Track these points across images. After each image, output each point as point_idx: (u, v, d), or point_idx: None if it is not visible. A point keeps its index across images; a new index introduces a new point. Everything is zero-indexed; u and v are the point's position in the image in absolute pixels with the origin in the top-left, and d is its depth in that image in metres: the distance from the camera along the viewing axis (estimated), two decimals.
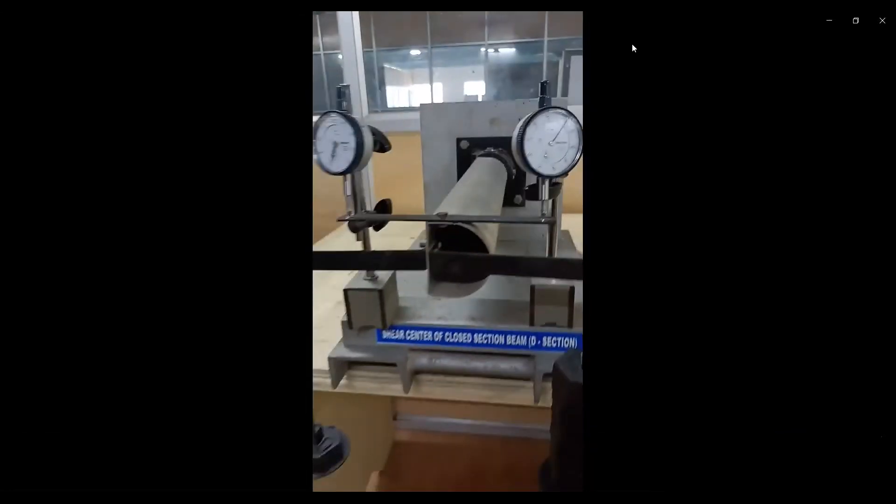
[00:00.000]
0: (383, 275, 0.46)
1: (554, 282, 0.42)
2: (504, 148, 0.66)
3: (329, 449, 0.41)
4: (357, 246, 0.44)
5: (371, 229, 0.44)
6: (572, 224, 0.75)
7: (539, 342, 0.44)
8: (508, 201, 0.68)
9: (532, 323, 0.43)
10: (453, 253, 0.35)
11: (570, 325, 0.43)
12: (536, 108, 0.35)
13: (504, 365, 0.45)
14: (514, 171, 0.65)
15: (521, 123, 0.34)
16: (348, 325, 0.46)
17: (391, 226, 0.47)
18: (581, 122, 0.33)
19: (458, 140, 0.68)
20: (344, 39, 1.03)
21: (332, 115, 0.36)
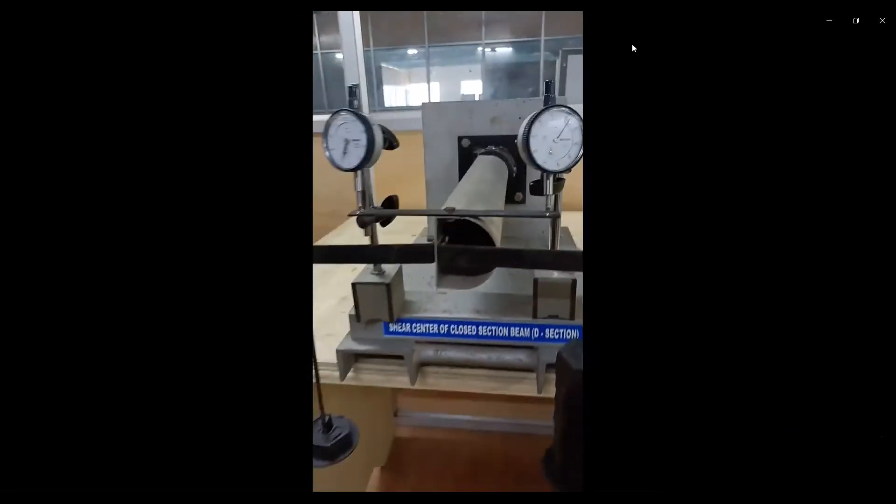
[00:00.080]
0: (390, 269, 0.47)
1: (556, 275, 0.43)
2: (505, 146, 0.68)
3: (339, 437, 0.42)
4: (358, 243, 0.45)
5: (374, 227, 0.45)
6: (571, 222, 0.77)
7: (542, 334, 0.45)
8: (509, 198, 0.69)
9: (535, 315, 0.45)
10: (461, 246, 0.37)
11: (573, 317, 0.44)
12: (536, 107, 0.36)
13: (508, 356, 0.46)
14: (514, 168, 0.66)
15: (526, 121, 0.36)
16: (356, 318, 0.47)
17: (392, 224, 0.48)
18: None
19: (460, 138, 0.69)
20: (344, 39, 1.04)
21: (344, 113, 0.37)
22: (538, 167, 0.36)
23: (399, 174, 1.04)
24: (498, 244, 0.37)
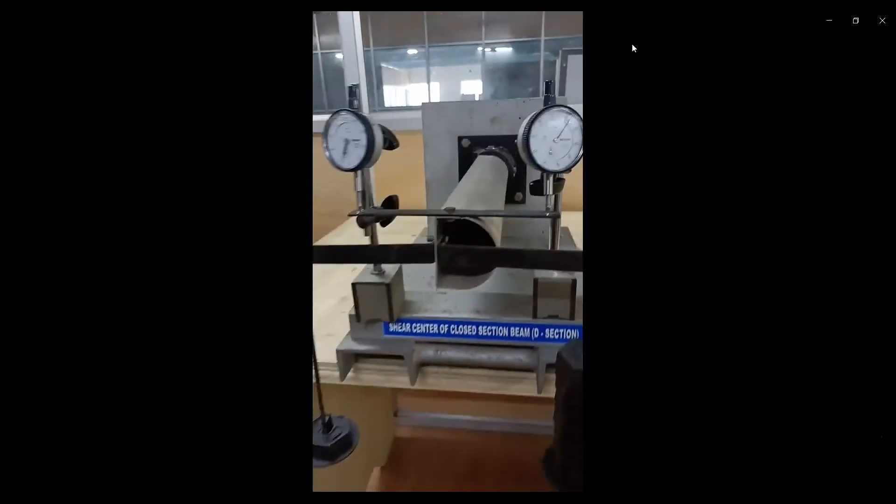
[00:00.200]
0: (390, 269, 0.47)
1: (556, 275, 0.43)
2: (505, 146, 0.68)
3: (339, 437, 0.42)
4: (358, 243, 0.45)
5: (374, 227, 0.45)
6: (571, 222, 0.77)
7: (542, 334, 0.45)
8: (509, 199, 0.69)
9: (535, 315, 0.45)
10: (461, 246, 0.37)
11: (573, 317, 0.44)
12: (536, 107, 0.36)
13: (508, 356, 0.46)
14: (514, 168, 0.66)
15: (526, 121, 0.36)
16: (356, 318, 0.47)
17: (392, 224, 0.48)
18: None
19: (460, 138, 0.69)
20: (344, 39, 1.04)
21: (344, 113, 0.37)
22: (538, 167, 0.36)
23: (399, 174, 1.04)
24: (498, 244, 0.37)
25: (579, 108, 0.34)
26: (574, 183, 0.41)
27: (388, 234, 0.50)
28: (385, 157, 0.44)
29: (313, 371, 0.42)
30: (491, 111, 0.68)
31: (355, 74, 1.06)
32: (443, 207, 0.37)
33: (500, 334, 0.46)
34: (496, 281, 0.51)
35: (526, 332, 0.46)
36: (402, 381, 0.49)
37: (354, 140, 0.37)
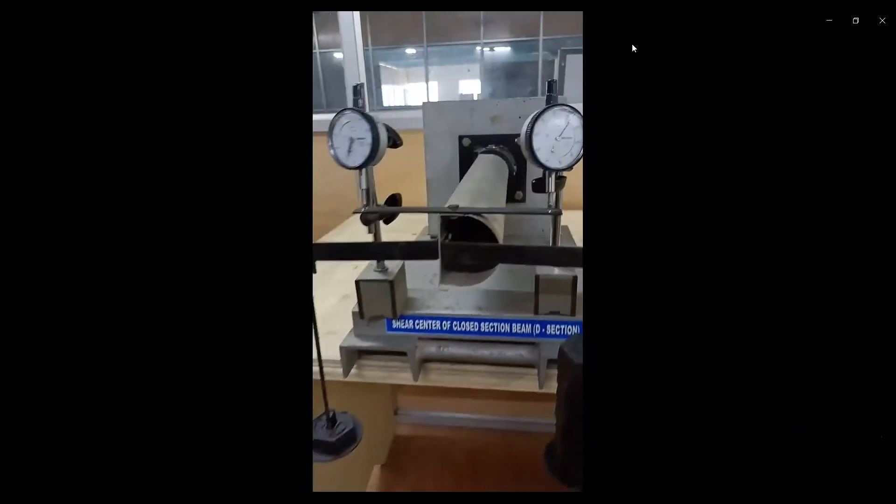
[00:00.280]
0: (393, 267, 0.48)
1: (557, 271, 0.43)
2: (505, 145, 0.68)
3: (343, 432, 0.42)
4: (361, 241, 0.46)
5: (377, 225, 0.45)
6: (570, 221, 0.77)
7: (543, 330, 0.46)
8: (509, 197, 0.70)
9: (536, 312, 0.45)
10: (464, 243, 0.37)
11: (573, 313, 0.44)
12: (535, 106, 0.37)
13: (510, 352, 0.46)
14: (514, 167, 0.67)
15: (529, 120, 0.36)
16: (360, 315, 0.48)
17: (393, 223, 0.48)
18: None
19: (461, 137, 0.70)
20: (345, 38, 1.04)
21: (349, 112, 0.38)
22: (541, 165, 0.37)
23: (399, 174, 1.04)
24: (501, 241, 0.38)
25: (579, 107, 0.34)
26: (574, 181, 0.42)
27: (389, 233, 0.51)
28: (385, 156, 0.44)
29: (319, 368, 0.42)
30: (491, 110, 0.69)
31: (355, 74, 1.06)
32: (446, 205, 0.37)
33: (502, 330, 0.47)
34: (497, 279, 0.51)
35: (527, 329, 0.46)
36: (405, 378, 0.50)
37: (359, 138, 0.37)
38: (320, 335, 0.40)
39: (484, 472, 1.25)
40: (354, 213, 0.41)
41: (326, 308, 0.64)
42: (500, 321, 0.46)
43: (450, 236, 0.40)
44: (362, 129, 0.37)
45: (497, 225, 0.38)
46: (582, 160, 0.34)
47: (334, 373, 0.50)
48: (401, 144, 0.43)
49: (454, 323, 0.47)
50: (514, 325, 0.46)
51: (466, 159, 0.70)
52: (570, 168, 0.37)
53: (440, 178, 0.73)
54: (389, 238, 0.46)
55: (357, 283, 0.46)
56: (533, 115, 0.36)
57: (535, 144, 0.36)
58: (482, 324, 0.47)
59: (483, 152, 0.68)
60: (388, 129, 0.41)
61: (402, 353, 0.49)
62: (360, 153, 0.38)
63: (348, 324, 0.52)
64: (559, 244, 0.44)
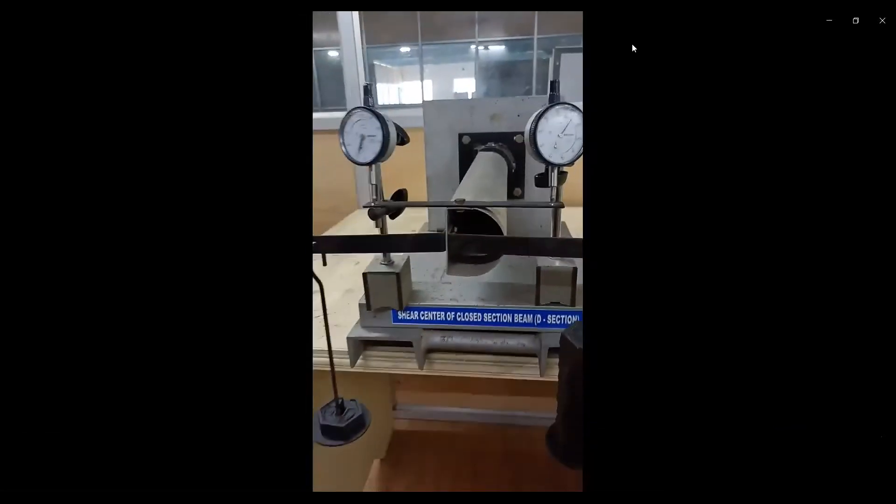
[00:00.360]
0: (398, 260, 0.49)
1: (558, 263, 0.45)
2: (504, 143, 0.70)
3: (352, 419, 0.44)
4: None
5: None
6: (568, 217, 0.79)
7: (544, 320, 0.48)
8: (508, 194, 0.71)
9: (538, 302, 0.47)
10: (470, 235, 0.39)
11: (574, 303, 0.46)
12: (533, 105, 0.39)
13: (512, 341, 0.48)
14: (513, 164, 0.68)
15: (532, 117, 0.38)
16: (367, 306, 0.49)
17: (394, 220, 0.50)
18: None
19: (461, 135, 0.71)
20: (344, 38, 1.06)
21: (359, 110, 0.39)
22: (544, 160, 0.39)
23: (397, 172, 1.06)
24: (505, 233, 0.39)
25: (576, 104, 0.36)
26: (573, 179, 0.43)
27: (391, 229, 0.52)
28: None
29: (329, 358, 0.44)
30: (491, 109, 0.70)
31: (355, 73, 1.07)
32: (453, 199, 0.39)
33: (504, 321, 0.48)
34: (498, 272, 0.53)
35: (529, 318, 0.48)
36: (410, 368, 0.51)
37: (370, 136, 0.39)
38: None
39: (483, 465, 1.27)
40: (364, 207, 0.43)
41: (330, 302, 0.65)
42: (502, 311, 0.48)
43: (455, 229, 0.41)
44: (373, 126, 0.39)
45: (501, 218, 0.40)
46: (582, 155, 0.35)
47: (340, 363, 0.52)
48: (408, 141, 0.45)
49: (458, 314, 0.49)
50: (516, 315, 0.48)
51: (466, 157, 0.71)
52: (571, 164, 0.39)
53: (440, 175, 0.74)
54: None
55: (364, 275, 0.48)
56: (536, 113, 0.38)
57: (539, 141, 0.38)
58: (485, 314, 0.49)
59: (483, 150, 0.69)
60: (397, 127, 0.42)
61: (408, 344, 0.51)
62: (371, 150, 0.39)
63: (352, 317, 0.53)
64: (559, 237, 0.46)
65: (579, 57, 1.39)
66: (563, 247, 0.39)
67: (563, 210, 0.43)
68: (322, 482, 0.80)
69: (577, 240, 0.39)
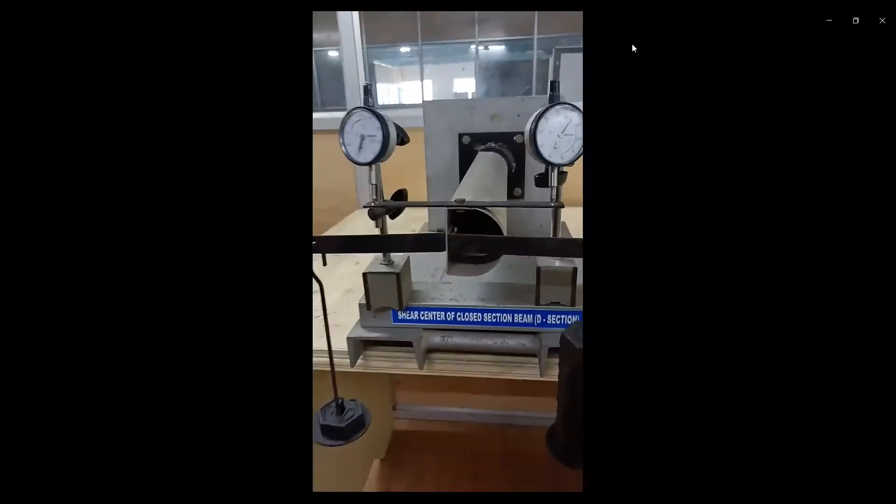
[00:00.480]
0: (398, 260, 0.49)
1: (558, 263, 0.45)
2: (504, 143, 0.70)
3: (352, 418, 0.44)
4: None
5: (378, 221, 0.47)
6: (567, 217, 0.79)
7: (544, 320, 0.48)
8: (508, 194, 0.72)
9: (537, 302, 0.47)
10: (470, 235, 0.39)
11: (573, 303, 0.46)
12: (533, 105, 0.39)
13: (512, 341, 0.48)
14: (513, 164, 0.68)
15: (533, 118, 0.38)
16: (367, 306, 0.49)
17: (393, 221, 0.50)
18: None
19: (461, 135, 0.71)
20: (344, 38, 1.06)
21: (359, 111, 0.39)
22: (544, 160, 0.39)
23: (396, 172, 1.06)
24: (505, 233, 0.39)
25: (576, 104, 0.36)
26: (572, 179, 0.43)
27: (391, 230, 0.52)
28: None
29: (329, 358, 0.44)
30: (491, 109, 0.70)
31: (355, 73, 1.08)
32: (453, 199, 0.39)
33: (504, 321, 0.49)
34: (498, 272, 0.53)
35: (529, 318, 0.48)
36: (410, 368, 0.51)
37: (370, 136, 0.39)
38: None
39: (483, 465, 1.27)
40: (364, 207, 0.43)
41: (330, 302, 0.64)
42: (502, 311, 0.48)
43: (455, 229, 0.41)
44: (373, 126, 0.39)
45: (501, 218, 0.40)
46: (582, 156, 0.35)
47: (340, 363, 0.52)
48: (408, 141, 0.45)
49: (458, 314, 0.49)
50: (515, 315, 0.48)
51: (466, 157, 0.71)
52: (571, 163, 0.39)
53: (440, 175, 0.75)
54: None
55: (364, 275, 0.48)
56: (537, 113, 0.38)
57: (539, 141, 0.38)
58: (485, 314, 0.49)
59: (483, 150, 0.69)
60: (397, 127, 0.42)
61: (408, 344, 0.51)
62: (371, 150, 0.40)
63: (351, 317, 0.53)
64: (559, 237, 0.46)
65: (579, 57, 1.39)
66: (563, 247, 0.39)
67: (562, 210, 0.44)
68: (322, 482, 0.80)
69: (577, 240, 0.39)
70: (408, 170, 0.71)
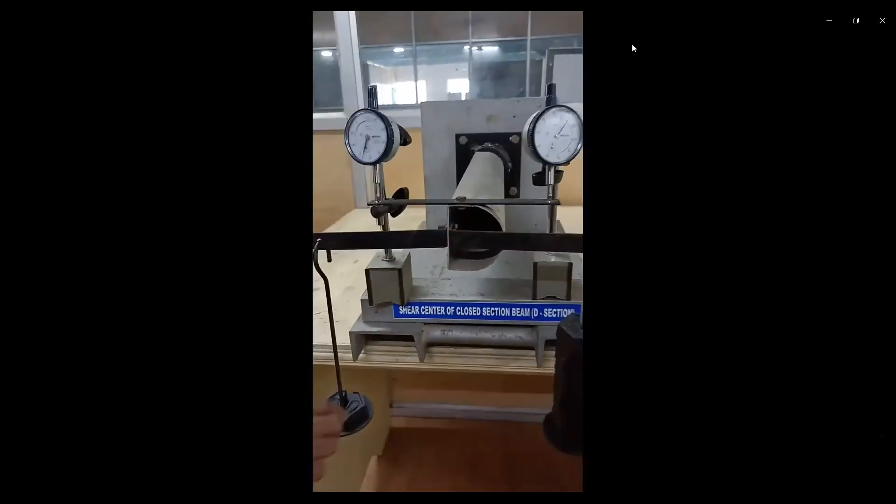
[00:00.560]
0: (400, 256, 0.51)
1: (554, 259, 0.47)
2: (500, 143, 0.71)
3: (356, 410, 0.45)
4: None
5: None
6: (563, 216, 0.81)
7: (541, 313, 0.49)
8: (505, 192, 0.73)
9: (534, 296, 0.49)
10: (471, 231, 0.41)
11: (569, 297, 0.48)
12: (529, 106, 0.40)
13: (510, 335, 0.50)
14: (509, 164, 0.70)
15: (530, 119, 0.40)
16: (369, 302, 0.51)
17: (391, 222, 0.51)
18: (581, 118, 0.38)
19: (457, 136, 0.73)
20: (341, 38, 1.07)
21: (364, 112, 0.41)
22: (541, 160, 0.40)
23: (396, 172, 1.07)
24: (505, 229, 0.41)
25: (571, 105, 0.38)
26: (568, 179, 0.45)
27: (391, 228, 0.54)
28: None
29: (334, 353, 0.45)
30: (487, 110, 0.72)
31: (352, 74, 1.09)
32: (454, 196, 0.41)
33: (503, 315, 0.50)
34: (496, 269, 0.55)
35: (526, 312, 0.50)
36: (411, 361, 0.53)
37: (374, 136, 0.40)
38: (326, 324, 0.43)
39: (481, 462, 1.28)
40: (368, 205, 0.45)
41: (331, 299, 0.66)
42: (500, 306, 0.50)
43: (456, 226, 0.43)
44: (378, 127, 0.41)
45: (500, 215, 0.42)
46: (580, 157, 0.37)
47: (343, 358, 0.53)
48: (410, 142, 0.46)
49: (458, 308, 0.51)
50: (513, 309, 0.50)
51: (463, 157, 0.73)
52: (567, 163, 0.41)
53: (438, 174, 0.76)
54: None
55: (367, 271, 0.49)
56: (534, 114, 0.40)
57: (537, 141, 0.40)
58: (484, 308, 0.50)
59: (479, 150, 0.71)
60: (400, 128, 0.44)
61: (409, 338, 0.52)
62: (376, 150, 0.41)
63: (352, 313, 0.55)
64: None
65: (572, 58, 1.41)
66: (562, 242, 0.41)
67: (558, 208, 0.45)
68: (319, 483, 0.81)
69: (574, 235, 0.41)
70: (405, 170, 0.72)
